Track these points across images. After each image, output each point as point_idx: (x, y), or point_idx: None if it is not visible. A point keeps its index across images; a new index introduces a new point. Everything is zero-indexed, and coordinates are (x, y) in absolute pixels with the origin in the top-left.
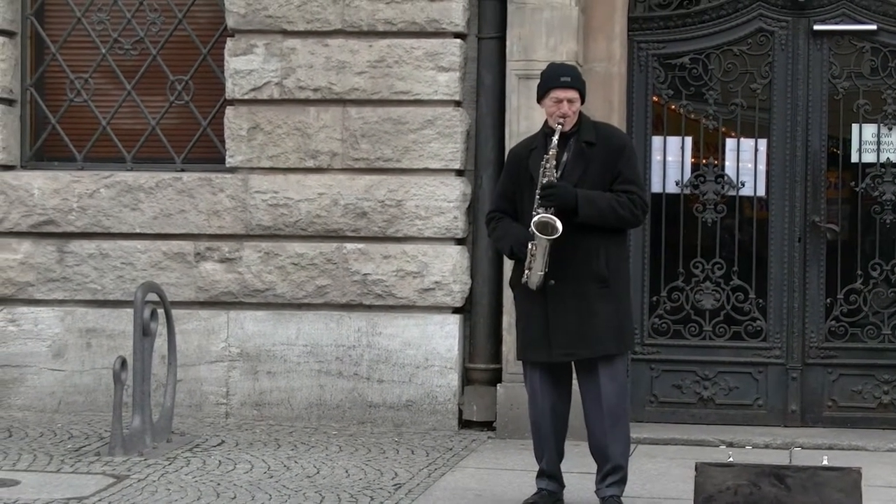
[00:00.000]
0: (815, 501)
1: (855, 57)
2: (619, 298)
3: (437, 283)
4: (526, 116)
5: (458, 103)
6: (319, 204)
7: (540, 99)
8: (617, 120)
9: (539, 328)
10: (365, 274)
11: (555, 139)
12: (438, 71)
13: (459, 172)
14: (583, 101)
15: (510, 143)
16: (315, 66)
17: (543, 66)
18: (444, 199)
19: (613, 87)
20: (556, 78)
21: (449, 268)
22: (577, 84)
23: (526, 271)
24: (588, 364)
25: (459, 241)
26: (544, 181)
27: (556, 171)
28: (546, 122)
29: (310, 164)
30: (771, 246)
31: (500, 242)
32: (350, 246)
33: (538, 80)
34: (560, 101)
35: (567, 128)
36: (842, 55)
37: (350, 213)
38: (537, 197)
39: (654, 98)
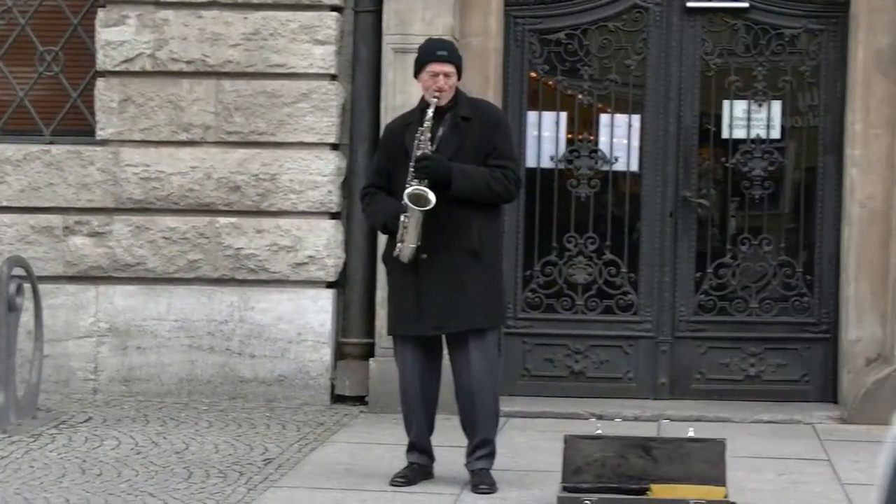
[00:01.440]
0: (681, 472)
1: (727, 34)
2: (491, 272)
3: (310, 257)
4: (402, 91)
5: (333, 77)
6: (192, 178)
7: (416, 73)
8: (493, 95)
9: (410, 302)
10: (238, 248)
11: (430, 112)
12: (314, 44)
13: (334, 146)
14: (459, 77)
15: (386, 118)
16: (188, 37)
17: (420, 40)
18: (318, 174)
19: (490, 61)
20: (432, 52)
21: (323, 242)
22: (454, 59)
23: (398, 244)
24: (458, 338)
25: (334, 216)
26: (418, 153)
27: (432, 145)
28: (423, 97)
29: (182, 137)
30: (643, 221)
31: (373, 217)
32: (223, 220)
33: (415, 55)
34: (436, 74)
35: (443, 102)
36: (715, 32)
37: (223, 186)
38: (411, 169)
39: (531, 73)
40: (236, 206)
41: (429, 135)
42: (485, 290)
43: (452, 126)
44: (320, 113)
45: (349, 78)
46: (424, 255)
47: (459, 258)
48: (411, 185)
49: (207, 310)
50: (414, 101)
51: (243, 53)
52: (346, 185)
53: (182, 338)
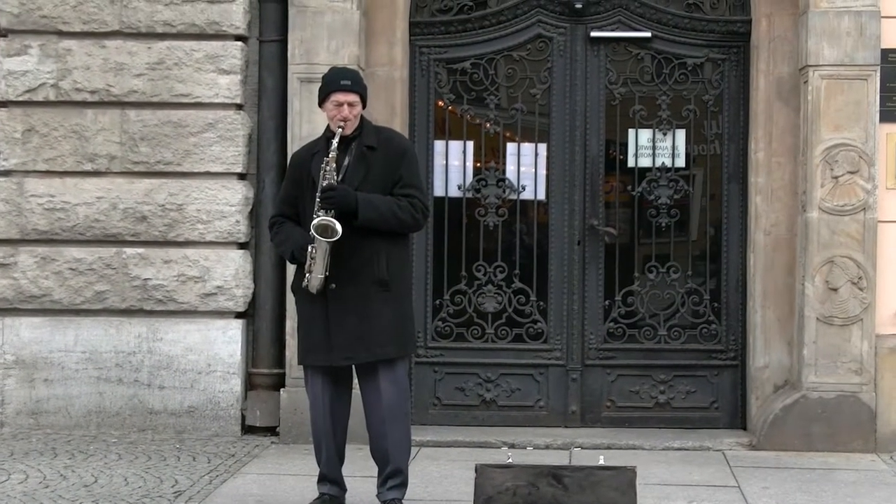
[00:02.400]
0: (592, 500)
1: (631, 63)
2: (400, 302)
3: (219, 287)
4: (308, 120)
5: (239, 106)
6: (98, 208)
7: (321, 102)
8: (399, 124)
9: (320, 332)
10: (145, 279)
11: (334, 142)
12: (219, 73)
13: (241, 176)
14: (364, 106)
15: (293, 147)
16: (92, 67)
17: (325, 69)
18: (225, 203)
19: (396, 91)
20: (336, 81)
21: (231, 272)
22: (358, 88)
23: (307, 275)
24: (368, 368)
25: (242, 246)
26: (324, 184)
27: (338, 175)
28: (328, 126)
29: (88, 167)
30: (551, 249)
31: (281, 247)
32: (130, 251)
33: (320, 84)
34: (341, 104)
35: (348, 131)
36: (618, 61)
37: (130, 217)
38: (317, 200)
39: (438, 102)
40: (143, 236)
41: (334, 165)
42: (394, 319)
43: (358, 155)
44: (227, 142)
45: (255, 107)
46: (333, 286)
47: (368, 288)
48: (318, 216)
49: (115, 341)
50: (320, 131)
51: (148, 83)
52: (254, 215)
53: (90, 369)
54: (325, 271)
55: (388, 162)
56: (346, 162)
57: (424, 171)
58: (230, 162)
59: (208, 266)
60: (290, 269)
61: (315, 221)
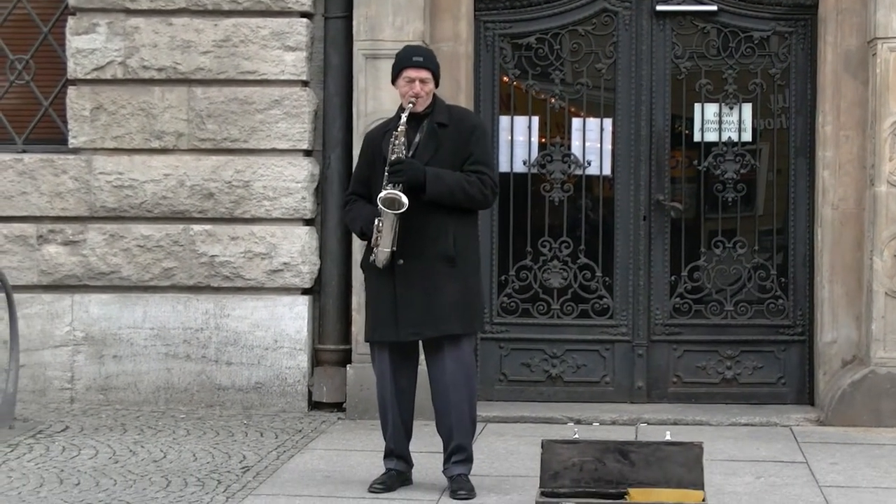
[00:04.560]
0: (659, 476)
1: (697, 37)
2: (467, 278)
3: (285, 264)
4: (373, 97)
5: (305, 83)
6: (165, 185)
7: (394, 79)
8: (464, 100)
9: (387, 308)
10: (212, 256)
11: (403, 117)
12: (285, 50)
13: (307, 153)
14: (437, 83)
15: (358, 124)
16: (159, 45)
17: (390, 45)
18: (291, 180)
19: (460, 66)
20: (408, 58)
21: (297, 249)
22: (430, 65)
23: (374, 249)
24: (434, 343)
25: (308, 222)
26: (392, 158)
27: (408, 151)
28: (401, 104)
29: (155, 144)
30: (617, 224)
31: (352, 224)
32: (197, 227)
33: (385, 60)
34: (412, 80)
35: (419, 108)
36: (684, 35)
37: (196, 194)
38: (385, 173)
39: (503, 78)
40: (210, 213)
41: (403, 139)
42: (460, 295)
43: (429, 132)
44: (293, 119)
45: (321, 84)
46: (400, 261)
47: (435, 264)
48: (385, 190)
49: (183, 317)
50: (385, 107)
51: (214, 60)
52: (320, 191)
53: (158, 346)
54: (392, 246)
55: (459, 139)
56: (416, 139)
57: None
58: (296, 139)
59: (275, 243)
60: (356, 245)
61: (382, 194)
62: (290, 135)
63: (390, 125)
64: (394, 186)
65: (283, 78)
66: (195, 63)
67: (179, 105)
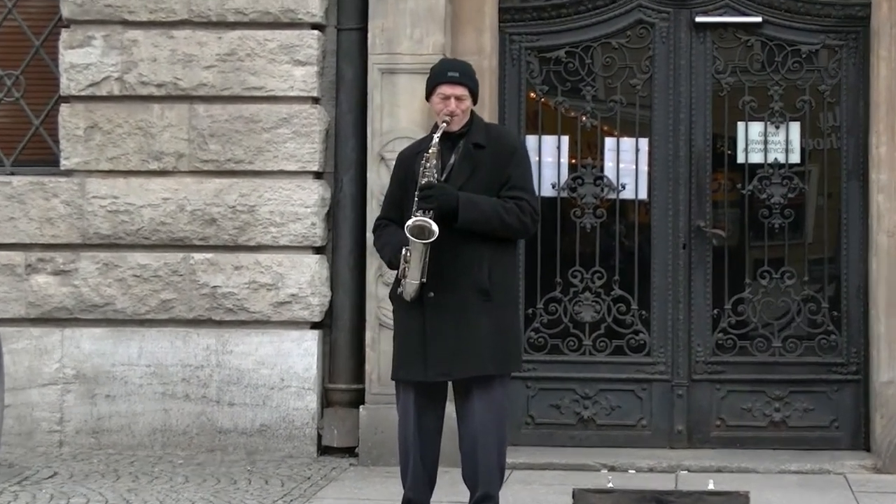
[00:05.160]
0: None
1: (740, 51)
2: (502, 313)
3: (293, 295)
4: (390, 114)
5: (316, 100)
6: (164, 210)
7: (428, 95)
8: (488, 117)
9: (415, 345)
10: (214, 286)
11: (436, 137)
12: (294, 65)
13: (318, 175)
14: (475, 101)
15: (373, 144)
16: (159, 59)
17: (408, 60)
18: (300, 204)
19: (484, 82)
20: (443, 73)
21: (307, 279)
22: (467, 80)
23: (402, 281)
24: (464, 384)
25: (318, 250)
26: (423, 182)
27: (441, 174)
28: (436, 122)
29: (153, 166)
30: (654, 253)
31: (382, 252)
32: (198, 256)
33: (403, 76)
34: (447, 97)
35: (454, 127)
36: (726, 49)
37: (198, 219)
38: (415, 199)
39: (530, 94)
40: (212, 240)
41: (434, 161)
42: (494, 332)
43: (465, 154)
44: (302, 139)
45: (333, 101)
46: (431, 294)
47: (468, 297)
48: (415, 216)
49: (182, 354)
50: (402, 126)
51: (218, 76)
52: (331, 217)
53: (155, 384)
54: (422, 277)
55: (497, 161)
56: (451, 160)
57: None
58: (306, 160)
59: (282, 272)
60: (371, 274)
61: (410, 222)
62: (300, 155)
63: (423, 144)
64: (424, 213)
65: (292, 94)
66: (197, 78)
67: (180, 124)
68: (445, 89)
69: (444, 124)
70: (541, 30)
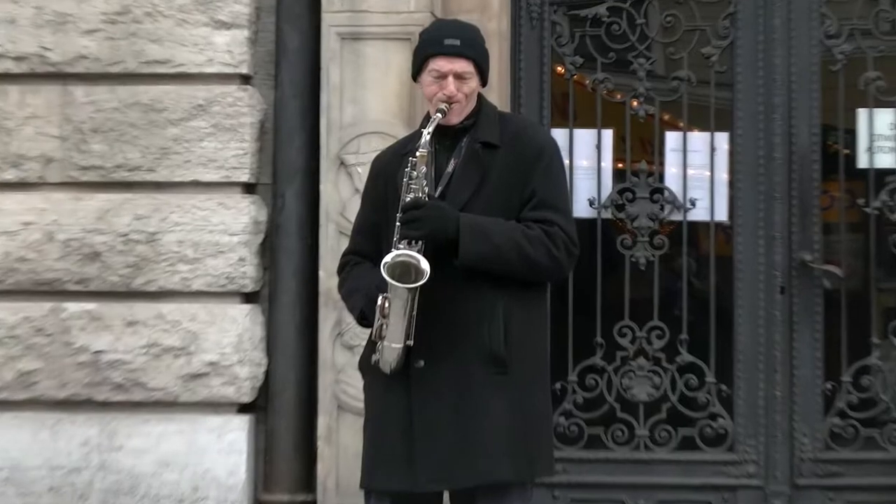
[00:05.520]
0: None
1: (860, 5)
2: (525, 392)
3: (212, 364)
4: (354, 99)
5: (246, 78)
6: (24, 239)
7: (416, 74)
8: (496, 101)
9: (396, 438)
10: (97, 352)
11: (426, 133)
12: (215, 28)
13: (249, 187)
14: (484, 81)
15: (329, 142)
16: (18, 20)
17: (379, 21)
18: (223, 231)
19: (492, 52)
20: (438, 41)
21: (231, 340)
22: (472, 51)
23: (378, 343)
24: (468, 497)
25: (249, 298)
26: (407, 199)
27: (436, 188)
28: (427, 113)
29: (9, 176)
30: (738, 300)
31: (348, 301)
32: (74, 307)
33: (373, 43)
34: (443, 76)
35: (455, 120)
36: (841, 3)
37: (74, 253)
38: (397, 224)
39: (557, 69)
40: (95, 283)
41: (424, 168)
42: (513, 420)
43: (469, 157)
44: (226, 135)
45: (271, 80)
46: (420, 363)
47: (474, 368)
48: (396, 250)
49: (50, 451)
50: (372, 117)
51: (105, 44)
52: (268, 249)
53: (10, 495)
54: (407, 339)
55: (516, 168)
56: (450, 167)
57: None
58: (231, 165)
59: (195, 330)
60: (326, 334)
61: (389, 257)
62: (222, 159)
63: (411, 144)
64: (409, 245)
65: (211, 70)
66: (74, 48)
67: (49, 114)
68: (441, 64)
69: (440, 115)
70: None
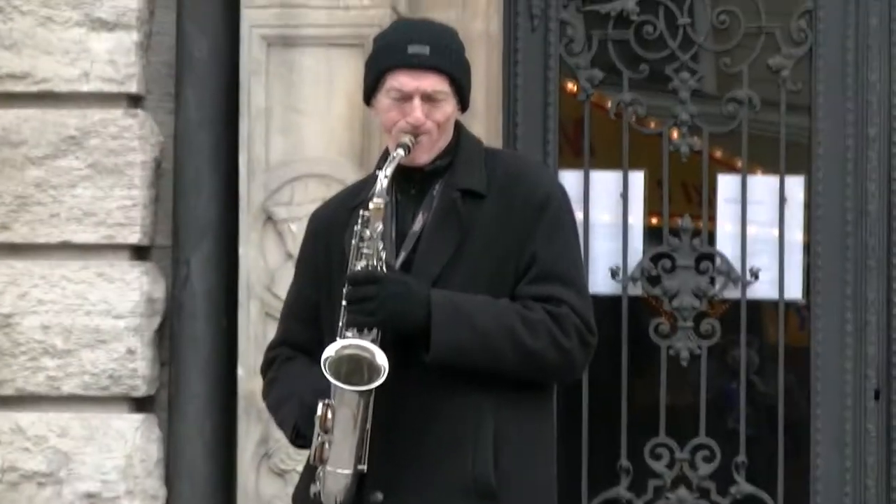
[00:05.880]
0: None
1: None
2: None
3: (91, 497)
4: (285, 128)
5: (135, 99)
6: None
7: (370, 94)
8: (482, 132)
9: None
10: None
11: (382, 177)
12: (92, 29)
13: (140, 252)
14: (463, 104)
15: (251, 188)
16: None
17: (322, 17)
18: (105, 312)
19: (477, 62)
20: (398, 48)
21: (118, 463)
22: (446, 63)
23: (318, 469)
24: None
25: (140, 405)
26: (357, 268)
27: (397, 251)
28: (386, 148)
29: None
30: (817, 408)
31: (276, 412)
32: None
33: (313, 50)
34: (406, 96)
35: (424, 158)
36: None
37: None
38: (343, 304)
39: (568, 86)
40: None
41: (380, 227)
42: None
43: (444, 210)
44: (108, 178)
45: (171, 102)
46: (378, 496)
47: (453, 502)
48: (342, 339)
49: None
50: (311, 154)
51: None
52: (168, 338)
53: None
54: (358, 462)
55: (511, 224)
56: (417, 224)
57: None
58: (115, 221)
59: (67, 450)
60: (248, 456)
61: (331, 351)
62: (103, 213)
63: (363, 194)
64: (359, 332)
65: (86, 89)
66: None
67: None
68: (404, 80)
69: (402, 152)
70: None
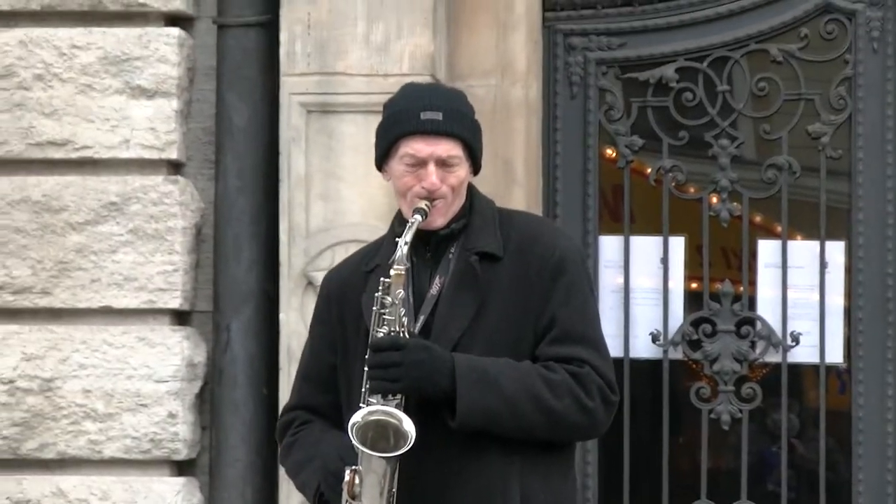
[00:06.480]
0: None
1: None
2: None
3: None
4: (325, 195)
5: (176, 166)
6: None
7: (382, 160)
8: (523, 199)
9: None
10: None
11: (402, 244)
12: (132, 96)
13: (181, 317)
14: (476, 168)
15: (290, 255)
16: None
17: (361, 84)
18: (146, 376)
19: (515, 127)
20: (411, 115)
21: None
22: (459, 128)
23: None
24: None
25: (182, 468)
26: (378, 335)
27: (416, 316)
28: (398, 212)
29: None
30: (860, 473)
31: (299, 477)
32: None
33: (351, 117)
34: (420, 162)
35: (440, 221)
36: None
37: None
38: (365, 371)
39: (607, 152)
40: None
41: (401, 293)
42: None
43: (461, 273)
44: (149, 244)
45: (211, 169)
46: None
47: None
48: (365, 406)
49: None
50: (350, 220)
51: None
52: (209, 402)
53: None
54: None
55: (529, 286)
56: (434, 288)
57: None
58: (156, 286)
59: None
60: None
61: (358, 417)
62: (144, 278)
63: (376, 258)
64: (383, 398)
65: (126, 155)
66: None
67: None
68: (418, 147)
69: (419, 217)
70: (623, 26)
